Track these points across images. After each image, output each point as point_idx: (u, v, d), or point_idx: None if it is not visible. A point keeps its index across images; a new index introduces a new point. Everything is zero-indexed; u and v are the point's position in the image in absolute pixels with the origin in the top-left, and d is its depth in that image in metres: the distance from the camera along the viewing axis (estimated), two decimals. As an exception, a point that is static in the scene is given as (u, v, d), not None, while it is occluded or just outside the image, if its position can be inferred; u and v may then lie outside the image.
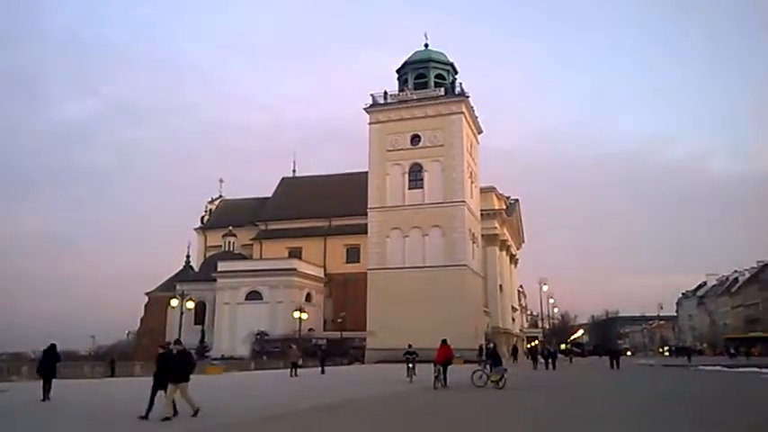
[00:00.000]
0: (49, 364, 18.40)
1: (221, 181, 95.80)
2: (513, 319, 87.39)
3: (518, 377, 26.61)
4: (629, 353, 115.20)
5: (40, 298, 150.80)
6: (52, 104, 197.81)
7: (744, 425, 11.75)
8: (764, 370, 34.56)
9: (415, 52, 68.41)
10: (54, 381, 18.33)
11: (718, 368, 39.68)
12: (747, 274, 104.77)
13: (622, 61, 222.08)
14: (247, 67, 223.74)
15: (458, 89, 64.63)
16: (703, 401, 17.52)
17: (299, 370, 33.82)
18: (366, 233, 63.73)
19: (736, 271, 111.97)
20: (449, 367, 22.55)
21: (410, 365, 26.43)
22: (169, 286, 73.12)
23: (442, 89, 64.61)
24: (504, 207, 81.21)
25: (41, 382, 18.03)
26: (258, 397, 20.69)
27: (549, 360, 38.99)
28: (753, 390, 22.64)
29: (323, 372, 34.83)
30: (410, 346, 27.73)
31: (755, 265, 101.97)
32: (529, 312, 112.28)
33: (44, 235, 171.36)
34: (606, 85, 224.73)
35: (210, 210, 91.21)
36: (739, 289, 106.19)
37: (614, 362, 38.71)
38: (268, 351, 60.99)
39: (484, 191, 72.55)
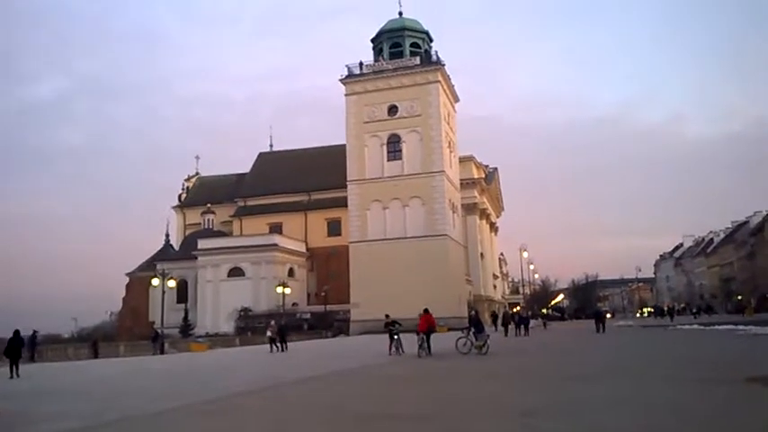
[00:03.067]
0: (14, 347, 22.47)
1: (197, 158, 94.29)
2: (495, 287, 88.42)
3: (498, 344, 26.86)
4: (608, 315, 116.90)
5: (20, 281, 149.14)
6: (24, 81, 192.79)
7: (728, 381, 11.96)
8: (739, 327, 35.51)
9: (389, 21, 67.44)
10: (39, 363, 22.07)
11: (695, 327, 40.67)
12: (722, 235, 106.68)
13: (599, 26, 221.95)
14: (222, 41, 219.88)
15: (433, 57, 64.10)
16: (690, 358, 17.90)
17: (276, 344, 32.26)
18: (346, 206, 63.58)
19: (711, 232, 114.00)
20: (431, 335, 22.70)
21: (396, 336, 23.24)
22: (150, 266, 72.60)
23: (418, 58, 63.98)
24: (483, 175, 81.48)
25: (9, 364, 22.09)
26: (243, 371, 20.70)
27: (522, 326, 39.11)
28: (732, 346, 23.09)
29: (284, 348, 31.50)
30: (387, 316, 24.79)
31: (730, 226, 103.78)
32: (510, 279, 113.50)
33: (20, 216, 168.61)
34: (583, 50, 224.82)
35: (187, 187, 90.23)
36: (715, 249, 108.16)
37: (599, 325, 39.00)
38: (252, 327, 61.08)
39: (462, 160, 72.55)
